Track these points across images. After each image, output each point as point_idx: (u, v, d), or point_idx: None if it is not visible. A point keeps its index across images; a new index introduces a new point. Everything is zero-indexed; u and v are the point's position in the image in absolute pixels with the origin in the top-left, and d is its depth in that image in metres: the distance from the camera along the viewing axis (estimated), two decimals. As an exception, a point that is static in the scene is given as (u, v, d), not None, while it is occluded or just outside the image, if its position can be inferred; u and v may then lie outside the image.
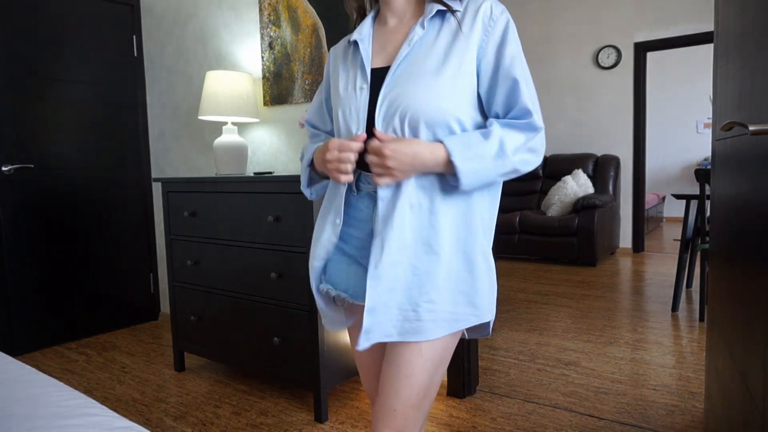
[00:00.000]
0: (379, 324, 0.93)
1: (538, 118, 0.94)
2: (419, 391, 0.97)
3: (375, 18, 1.08)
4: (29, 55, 2.86)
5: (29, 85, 2.87)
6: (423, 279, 0.93)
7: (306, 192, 1.16)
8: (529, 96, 0.94)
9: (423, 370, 0.96)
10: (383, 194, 0.94)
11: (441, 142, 0.91)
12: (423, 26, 0.96)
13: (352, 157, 0.95)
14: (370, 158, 0.91)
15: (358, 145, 0.94)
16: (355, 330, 1.12)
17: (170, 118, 3.28)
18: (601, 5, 5.56)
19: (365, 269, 0.98)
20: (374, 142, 0.90)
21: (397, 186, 0.94)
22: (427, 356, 0.96)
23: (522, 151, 0.93)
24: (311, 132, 1.22)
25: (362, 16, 1.12)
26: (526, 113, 0.94)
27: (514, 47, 0.94)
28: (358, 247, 1.01)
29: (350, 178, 0.96)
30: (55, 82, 2.97)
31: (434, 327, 0.94)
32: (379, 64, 1.00)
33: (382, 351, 1.11)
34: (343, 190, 1.02)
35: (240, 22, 2.80)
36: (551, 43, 5.88)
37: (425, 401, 0.99)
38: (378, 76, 0.97)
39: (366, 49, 1.01)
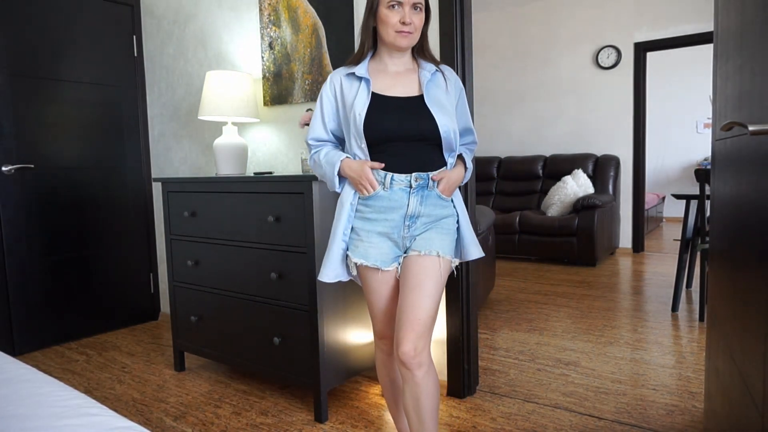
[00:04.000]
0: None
1: (475, 134, 1.67)
2: (435, 303, 1.45)
3: (370, 60, 1.53)
4: (29, 55, 2.86)
5: (29, 85, 2.87)
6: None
7: (338, 189, 1.53)
8: (471, 122, 1.65)
9: (439, 284, 1.45)
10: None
11: (459, 163, 1.58)
12: (428, 74, 1.50)
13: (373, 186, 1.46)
14: (441, 188, 1.49)
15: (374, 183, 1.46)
16: (381, 282, 1.51)
17: (170, 118, 3.28)
18: (601, 5, 5.56)
19: (395, 243, 1.48)
20: (441, 184, 1.49)
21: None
22: (442, 271, 1.46)
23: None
24: (314, 145, 1.60)
25: (366, 51, 1.53)
26: (472, 132, 1.65)
27: (465, 101, 1.62)
28: (393, 227, 1.46)
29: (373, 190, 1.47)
30: (55, 82, 2.97)
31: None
32: (397, 95, 1.48)
33: (394, 282, 1.53)
34: (354, 199, 1.50)
35: (240, 22, 2.80)
36: (551, 43, 5.88)
37: (436, 311, 1.46)
38: (401, 103, 1.48)
39: (372, 82, 1.49)
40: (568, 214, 5.06)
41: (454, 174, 1.51)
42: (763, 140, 1.04)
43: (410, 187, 1.44)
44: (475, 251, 1.57)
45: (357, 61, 1.51)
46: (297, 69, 2.57)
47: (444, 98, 1.49)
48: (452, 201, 1.55)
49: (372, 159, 1.46)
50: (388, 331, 1.57)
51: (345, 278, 1.55)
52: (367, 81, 1.46)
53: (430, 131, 1.44)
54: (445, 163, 1.51)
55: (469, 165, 1.59)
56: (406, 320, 1.40)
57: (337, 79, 1.53)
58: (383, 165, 1.43)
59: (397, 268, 1.50)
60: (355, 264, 1.49)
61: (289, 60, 2.59)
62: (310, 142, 1.59)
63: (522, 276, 4.56)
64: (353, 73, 1.49)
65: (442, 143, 1.46)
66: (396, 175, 1.44)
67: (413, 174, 1.44)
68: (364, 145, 1.44)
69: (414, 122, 1.44)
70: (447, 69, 1.57)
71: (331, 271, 1.51)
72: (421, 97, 1.47)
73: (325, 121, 1.55)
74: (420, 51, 1.54)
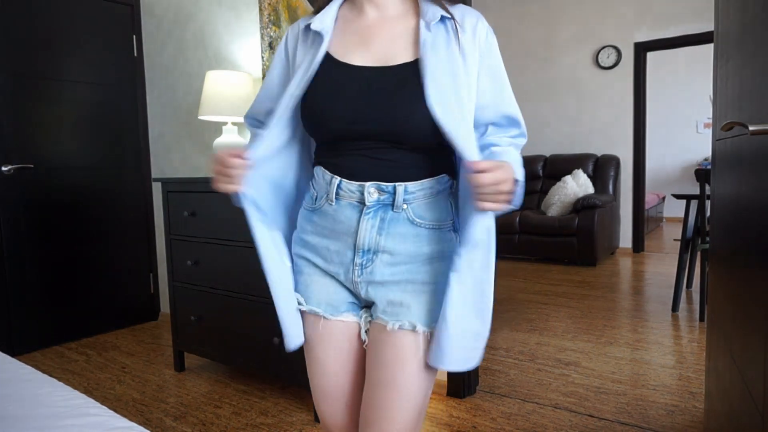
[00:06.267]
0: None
1: (524, 127, 1.00)
2: (417, 407, 0.93)
3: (341, 5, 0.98)
4: (29, 55, 2.86)
5: (29, 85, 2.87)
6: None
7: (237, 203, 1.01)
8: (515, 107, 0.98)
9: (423, 377, 0.93)
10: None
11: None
12: (429, 29, 0.89)
13: (235, 176, 0.91)
14: (484, 190, 0.78)
15: (238, 169, 0.91)
16: (323, 339, 0.98)
17: (170, 118, 3.27)
18: (601, 5, 5.56)
19: (339, 282, 0.96)
20: (486, 177, 0.78)
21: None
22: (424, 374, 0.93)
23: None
24: (250, 130, 1.13)
25: None
26: (516, 123, 0.98)
27: (502, 69, 0.97)
28: (337, 261, 0.94)
29: (234, 188, 0.94)
30: (55, 82, 2.97)
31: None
32: (363, 63, 0.91)
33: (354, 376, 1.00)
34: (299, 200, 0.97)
35: (240, 22, 2.80)
36: (551, 43, 5.88)
37: (420, 419, 0.95)
38: (367, 76, 0.90)
39: (326, 40, 0.92)
40: (568, 214, 5.06)
41: (508, 165, 0.82)
42: (764, 140, 1.04)
43: (362, 203, 0.91)
44: (457, 356, 0.89)
45: (323, 4, 0.98)
46: (297, 69, 2.57)
47: (447, 66, 0.88)
48: (453, 231, 0.94)
49: (321, 159, 0.96)
50: (342, 417, 1.00)
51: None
52: (321, 38, 0.93)
53: (419, 131, 0.87)
54: (445, 170, 0.94)
55: (518, 174, 0.87)
56: (373, 424, 0.91)
57: (294, 33, 1.01)
58: (244, 155, 0.91)
59: (359, 325, 0.97)
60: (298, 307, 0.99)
61: (289, 60, 2.59)
62: (246, 121, 1.12)
63: (522, 276, 4.56)
64: (309, 26, 0.96)
65: (453, 146, 0.86)
66: (345, 183, 0.91)
67: (368, 184, 0.90)
68: (298, 147, 0.96)
69: (383, 114, 0.87)
70: (466, 11, 0.93)
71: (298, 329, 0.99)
72: (408, 66, 0.89)
73: (267, 92, 1.04)
74: None
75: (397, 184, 0.89)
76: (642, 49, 5.39)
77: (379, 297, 0.93)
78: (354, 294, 0.97)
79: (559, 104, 5.88)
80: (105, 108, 3.21)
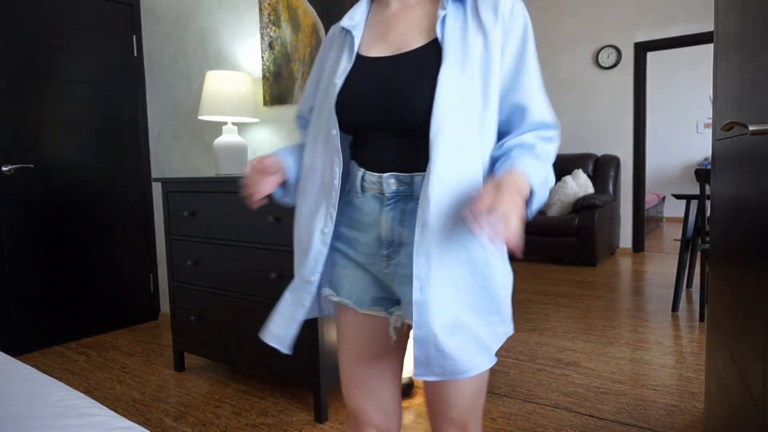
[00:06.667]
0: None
1: (553, 121, 0.91)
2: (472, 395, 0.95)
3: (372, 1, 1.00)
4: (29, 55, 2.86)
5: (29, 85, 2.87)
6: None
7: (280, 197, 1.06)
8: (535, 98, 0.89)
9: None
10: None
11: (517, 171, 0.80)
12: (445, 7, 0.86)
13: (261, 193, 0.96)
14: (492, 228, 0.71)
15: (267, 175, 0.97)
16: (351, 330, 1.01)
17: (170, 118, 3.27)
18: (601, 5, 5.56)
19: (371, 275, 0.96)
20: (494, 216, 0.71)
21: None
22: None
23: (550, 162, 0.89)
24: (298, 129, 1.15)
25: None
26: (543, 123, 0.90)
27: (527, 51, 0.88)
28: (366, 253, 0.94)
29: (259, 202, 0.98)
30: (55, 82, 2.97)
31: None
32: (380, 54, 0.91)
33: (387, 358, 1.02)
34: (335, 193, 0.92)
35: (240, 22, 2.80)
36: (551, 43, 5.88)
37: (478, 401, 0.97)
38: (380, 66, 0.89)
39: (358, 36, 0.94)
40: (568, 214, 5.06)
41: (511, 179, 0.76)
42: (764, 140, 1.04)
43: (383, 194, 0.91)
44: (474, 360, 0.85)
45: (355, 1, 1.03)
46: (297, 69, 2.57)
47: (462, 46, 0.83)
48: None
49: (352, 152, 0.98)
50: (371, 411, 1.02)
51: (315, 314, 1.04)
52: (351, 35, 0.94)
53: (424, 119, 0.82)
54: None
55: (534, 180, 0.81)
56: (435, 415, 0.98)
57: (331, 32, 1.05)
58: (277, 164, 0.96)
59: (387, 320, 0.98)
60: (328, 297, 1.01)
61: (289, 60, 2.59)
62: (296, 122, 1.13)
63: (522, 276, 4.56)
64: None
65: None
66: (368, 174, 0.92)
67: (387, 174, 0.90)
68: (335, 132, 0.92)
69: (392, 102, 0.86)
70: None
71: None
72: (422, 50, 0.87)
73: (309, 92, 1.07)
74: None
75: (414, 174, 0.88)
76: (642, 49, 5.39)
77: (406, 294, 0.91)
78: (386, 288, 0.96)
79: (559, 104, 5.88)
80: (105, 108, 3.21)
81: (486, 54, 0.84)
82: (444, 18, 0.85)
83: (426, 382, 0.96)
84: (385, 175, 0.89)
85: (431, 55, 0.85)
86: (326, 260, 0.97)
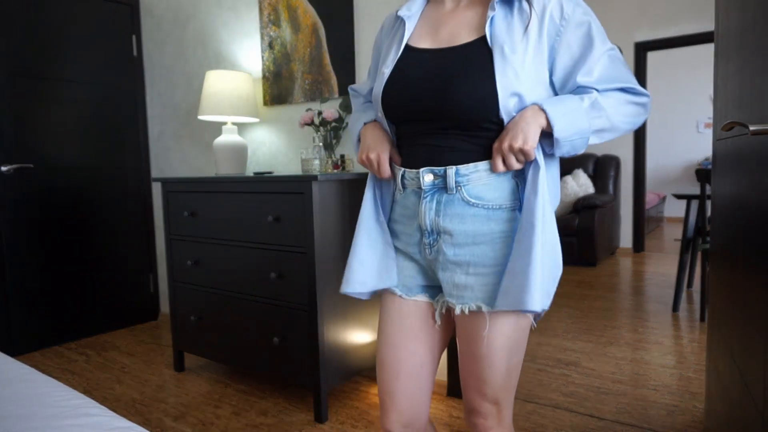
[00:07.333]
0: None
1: (635, 86, 0.96)
2: (506, 370, 1.00)
3: None
4: (29, 55, 2.86)
5: (29, 85, 2.87)
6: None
7: None
8: (628, 74, 0.95)
9: (501, 347, 0.98)
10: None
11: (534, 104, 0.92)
12: (494, 8, 0.93)
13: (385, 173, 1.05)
14: (507, 161, 0.91)
15: (388, 174, 1.04)
16: (395, 316, 1.07)
17: (170, 118, 3.27)
18: (601, 5, 5.56)
19: (418, 265, 1.05)
20: (498, 147, 0.91)
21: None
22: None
23: (622, 104, 0.95)
24: (353, 94, 1.28)
25: None
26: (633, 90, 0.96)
27: (593, 41, 0.93)
28: (410, 243, 1.05)
29: (388, 173, 1.05)
30: (55, 82, 2.97)
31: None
32: (428, 46, 0.99)
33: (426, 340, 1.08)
34: (390, 191, 1.08)
35: (240, 22, 2.80)
36: (551, 43, 5.87)
37: (512, 377, 1.02)
38: (427, 57, 0.97)
39: (410, 28, 1.02)
40: (568, 214, 5.06)
41: (518, 120, 0.90)
42: (764, 140, 1.04)
43: (421, 188, 0.99)
44: (532, 298, 0.88)
45: None
46: (297, 69, 2.57)
47: (509, 43, 0.90)
48: (515, 207, 0.96)
49: (399, 145, 1.07)
50: (400, 397, 1.05)
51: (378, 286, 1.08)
52: (405, 25, 1.03)
53: (481, 107, 0.90)
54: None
55: (551, 110, 0.90)
56: (470, 391, 1.03)
57: (389, 20, 1.13)
58: (399, 160, 1.04)
59: (432, 305, 1.06)
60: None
61: (289, 60, 2.59)
62: (350, 90, 1.28)
63: (522, 276, 4.55)
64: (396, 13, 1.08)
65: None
66: (407, 172, 1.01)
67: (423, 170, 0.97)
68: (384, 123, 1.05)
69: (440, 92, 0.93)
70: None
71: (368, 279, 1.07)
72: (473, 44, 0.94)
73: (370, 76, 1.20)
74: None
75: (447, 167, 0.95)
76: (642, 49, 5.39)
77: (446, 279, 1.00)
78: (431, 276, 1.05)
79: (560, 104, 5.88)
80: (105, 108, 3.21)
81: (535, 53, 0.92)
82: (492, 18, 0.93)
83: (463, 360, 1.03)
84: (422, 170, 0.97)
85: (479, 49, 0.92)
86: None
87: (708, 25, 5.00)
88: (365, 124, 1.11)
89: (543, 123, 0.90)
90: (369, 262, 1.06)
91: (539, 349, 2.74)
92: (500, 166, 0.92)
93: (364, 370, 2.23)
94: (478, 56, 0.91)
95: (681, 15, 5.17)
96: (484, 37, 0.93)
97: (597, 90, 0.94)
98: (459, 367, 1.06)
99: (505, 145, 0.90)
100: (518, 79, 0.89)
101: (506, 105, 0.89)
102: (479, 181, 0.95)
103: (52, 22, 2.94)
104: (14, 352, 2.83)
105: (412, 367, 1.05)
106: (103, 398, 2.29)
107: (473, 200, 0.95)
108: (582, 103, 0.91)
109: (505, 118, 0.91)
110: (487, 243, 0.96)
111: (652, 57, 7.66)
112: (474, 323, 0.98)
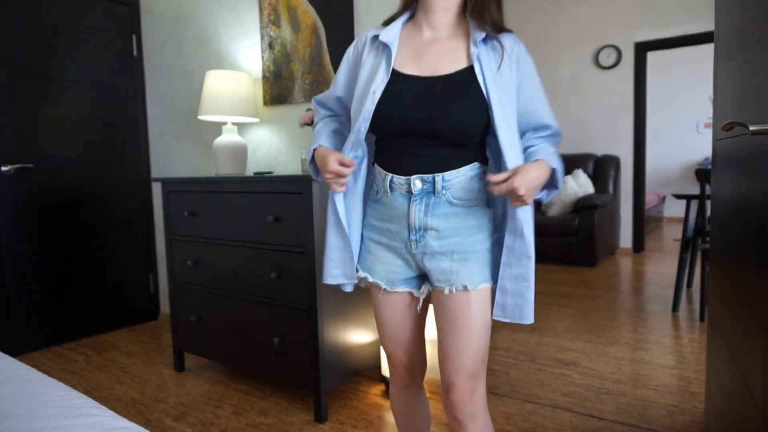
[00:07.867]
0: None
1: (557, 127, 1.20)
2: (480, 342, 1.16)
3: (405, 22, 1.20)
4: (29, 55, 2.86)
5: (29, 85, 2.87)
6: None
7: (315, 177, 1.31)
8: (549, 114, 1.18)
9: (479, 322, 1.16)
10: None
11: (540, 160, 1.09)
12: (476, 45, 1.09)
13: (346, 179, 1.14)
14: (506, 193, 1.02)
15: (350, 171, 1.11)
16: (386, 306, 1.26)
17: (170, 118, 3.27)
18: (601, 5, 5.56)
19: (402, 259, 1.20)
20: (511, 184, 1.00)
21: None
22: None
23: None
24: (316, 109, 1.38)
25: (404, 8, 1.20)
26: (549, 128, 1.19)
27: (538, 82, 1.16)
28: (397, 239, 1.18)
29: (344, 189, 1.16)
30: (55, 82, 2.97)
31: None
32: (415, 73, 1.12)
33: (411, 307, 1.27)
34: (358, 194, 1.22)
35: (240, 21, 2.80)
36: (551, 43, 5.88)
37: (484, 351, 1.18)
38: (420, 84, 1.10)
39: (394, 54, 1.13)
40: (568, 214, 5.06)
41: (533, 169, 1.03)
42: (764, 140, 1.04)
43: (410, 192, 1.13)
44: (531, 313, 1.14)
45: (391, 20, 1.19)
46: (297, 69, 2.57)
47: (492, 75, 1.08)
48: (486, 206, 1.16)
49: (377, 159, 1.21)
50: (400, 356, 1.30)
51: (352, 280, 1.26)
52: (389, 51, 1.13)
53: (470, 129, 1.08)
54: (476, 159, 1.14)
55: (556, 164, 1.11)
56: (450, 365, 1.17)
57: (363, 39, 1.22)
58: (353, 163, 1.11)
59: (412, 294, 1.24)
60: (365, 278, 1.26)
61: (289, 60, 2.59)
62: (313, 103, 1.37)
63: (522, 276, 4.55)
64: (377, 36, 1.18)
65: (500, 146, 1.08)
66: (395, 178, 1.14)
67: (414, 177, 1.12)
68: (363, 132, 1.14)
69: (433, 116, 1.07)
70: (505, 35, 1.12)
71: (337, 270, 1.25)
72: (461, 73, 1.09)
73: (337, 85, 1.27)
74: (477, 11, 1.11)
75: (435, 174, 1.11)
76: (642, 49, 5.39)
77: (433, 267, 1.16)
78: (414, 268, 1.21)
79: (560, 104, 5.88)
80: (105, 108, 3.21)
81: (508, 84, 1.10)
82: (476, 52, 1.09)
83: (444, 337, 1.19)
84: (413, 177, 1.12)
85: (467, 78, 1.08)
86: (362, 248, 1.25)
87: (708, 25, 5.00)
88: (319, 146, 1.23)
89: (547, 179, 1.09)
90: (337, 259, 1.25)
91: (539, 349, 2.74)
92: (497, 192, 1.03)
93: (364, 370, 2.23)
94: (469, 85, 1.08)
95: (681, 15, 5.17)
96: (471, 68, 1.09)
97: (551, 126, 1.18)
98: (438, 347, 1.21)
99: (514, 188, 1.00)
100: (504, 104, 1.08)
101: (500, 126, 1.06)
102: (459, 184, 1.12)
103: (52, 22, 2.94)
104: (14, 352, 2.83)
105: (409, 335, 1.29)
106: (103, 398, 2.29)
107: (455, 200, 1.13)
108: (557, 156, 1.14)
109: (499, 134, 1.06)
110: (467, 234, 1.14)
111: (652, 57, 7.66)
112: (458, 301, 1.14)
